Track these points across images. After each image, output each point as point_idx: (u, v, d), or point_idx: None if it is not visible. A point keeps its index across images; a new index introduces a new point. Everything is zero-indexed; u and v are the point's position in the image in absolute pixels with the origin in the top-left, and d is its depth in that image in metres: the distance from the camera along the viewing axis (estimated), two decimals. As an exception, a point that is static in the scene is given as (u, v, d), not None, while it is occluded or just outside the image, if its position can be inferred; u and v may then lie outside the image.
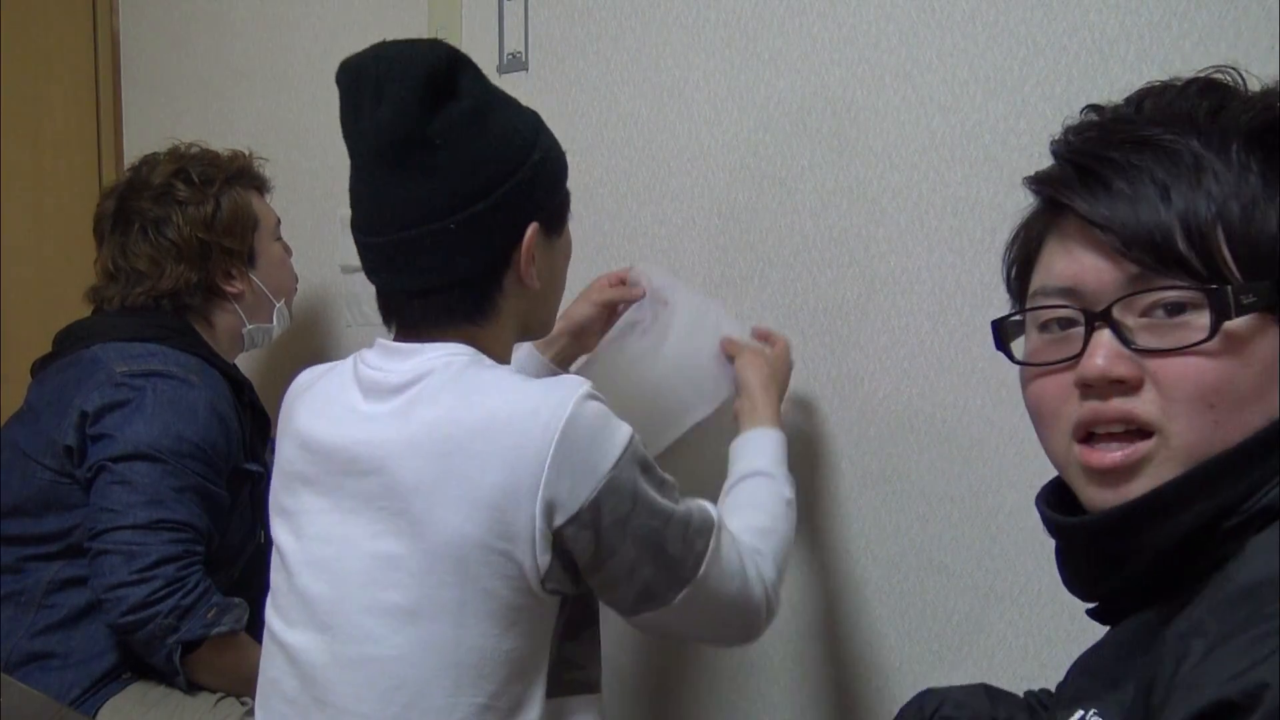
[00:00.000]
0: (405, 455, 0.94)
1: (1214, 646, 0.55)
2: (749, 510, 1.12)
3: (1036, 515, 1.24)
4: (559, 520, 0.91)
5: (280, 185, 1.68)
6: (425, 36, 1.65)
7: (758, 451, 1.19)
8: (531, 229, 1.00)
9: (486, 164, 0.97)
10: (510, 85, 1.17)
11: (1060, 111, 1.21)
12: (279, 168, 1.68)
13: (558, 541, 0.92)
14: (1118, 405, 0.66)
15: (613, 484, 0.92)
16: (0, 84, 2.00)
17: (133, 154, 2.13)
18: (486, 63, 1.61)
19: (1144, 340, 0.65)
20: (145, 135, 2.11)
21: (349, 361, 1.04)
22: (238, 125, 1.95)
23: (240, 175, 1.56)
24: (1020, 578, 1.26)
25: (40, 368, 1.52)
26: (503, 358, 1.03)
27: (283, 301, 1.61)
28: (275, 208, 1.64)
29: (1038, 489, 1.22)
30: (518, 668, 0.96)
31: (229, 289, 1.53)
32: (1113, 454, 0.66)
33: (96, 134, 2.15)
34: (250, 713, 1.38)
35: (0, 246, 2.00)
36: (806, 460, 1.38)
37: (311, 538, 1.01)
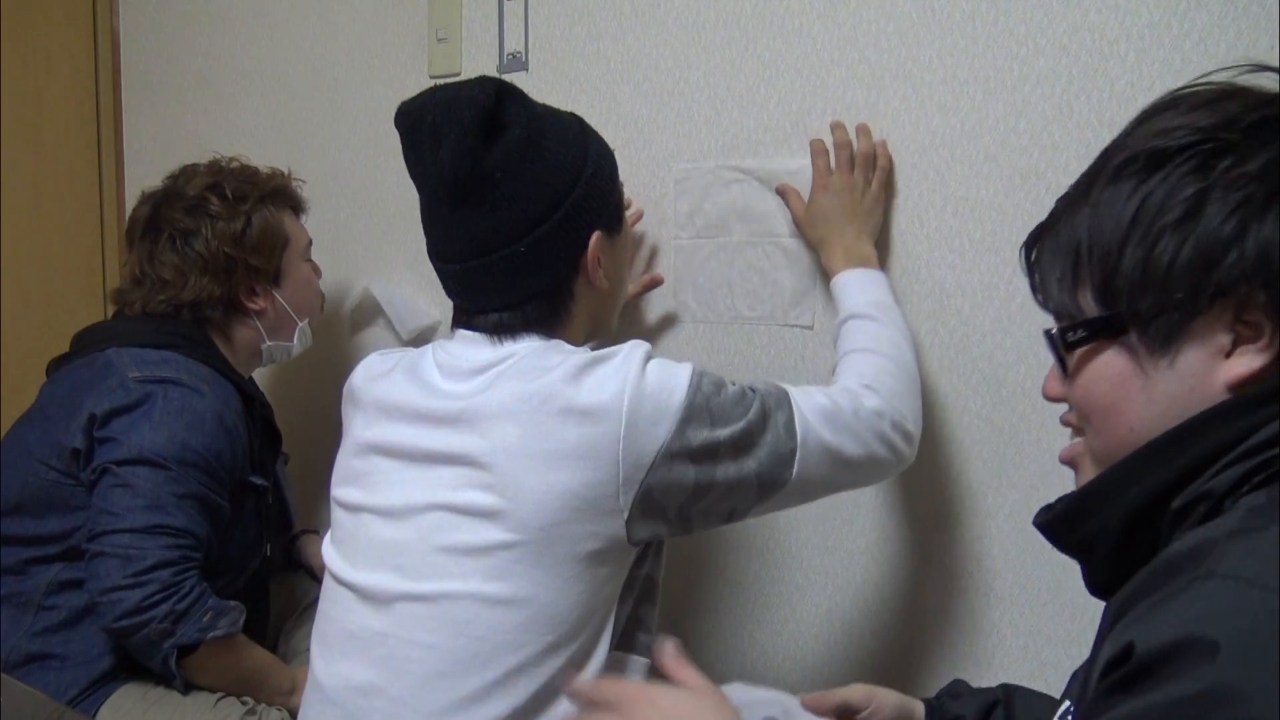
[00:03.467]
0: (491, 416, 0.99)
1: (1122, 615, 0.59)
2: (842, 365, 1.16)
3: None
4: (648, 462, 0.96)
5: (279, 185, 1.68)
6: (428, 39, 1.67)
7: (842, 297, 1.22)
8: (595, 236, 1.06)
9: (546, 186, 1.03)
10: (510, 85, 1.16)
11: (1060, 111, 1.22)
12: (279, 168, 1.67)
13: (650, 484, 0.97)
14: (1064, 414, 0.77)
15: (689, 413, 0.97)
16: (0, 84, 2.00)
17: (133, 154, 2.14)
18: (486, 62, 1.62)
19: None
20: (145, 135, 2.11)
21: (426, 349, 1.10)
22: (238, 125, 1.95)
23: (275, 194, 1.56)
24: (1020, 578, 1.26)
25: (55, 368, 1.52)
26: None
27: (305, 321, 1.61)
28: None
29: (1038, 489, 1.23)
30: (589, 613, 1.00)
31: (251, 305, 1.53)
32: (1065, 449, 0.76)
33: (96, 134, 2.14)
34: (251, 711, 1.38)
35: (0, 246, 2.00)
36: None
37: (385, 490, 1.05)
